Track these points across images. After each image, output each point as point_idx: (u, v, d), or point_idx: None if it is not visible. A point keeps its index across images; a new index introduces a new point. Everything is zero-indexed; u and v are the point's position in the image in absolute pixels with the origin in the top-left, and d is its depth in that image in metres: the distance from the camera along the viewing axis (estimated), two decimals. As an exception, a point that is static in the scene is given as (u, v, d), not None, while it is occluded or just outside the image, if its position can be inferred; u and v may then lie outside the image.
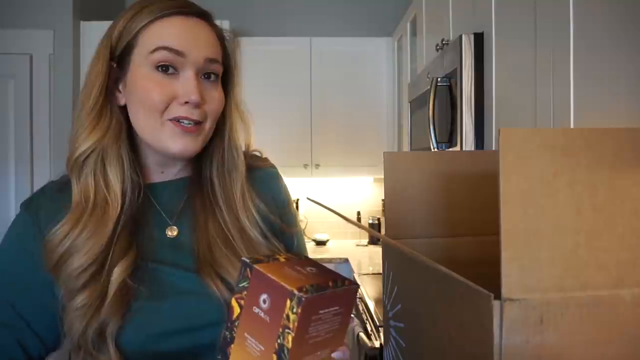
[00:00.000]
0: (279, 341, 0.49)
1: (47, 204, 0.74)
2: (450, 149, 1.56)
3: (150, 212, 0.77)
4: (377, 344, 1.53)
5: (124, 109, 0.75)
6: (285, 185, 0.89)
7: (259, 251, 0.76)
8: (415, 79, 2.09)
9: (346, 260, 2.70)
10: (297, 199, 3.18)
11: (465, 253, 0.60)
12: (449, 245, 0.60)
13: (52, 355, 0.75)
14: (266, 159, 0.89)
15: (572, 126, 0.94)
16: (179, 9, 0.72)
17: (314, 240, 3.18)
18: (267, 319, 0.50)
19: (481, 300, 0.33)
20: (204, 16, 0.76)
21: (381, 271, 0.59)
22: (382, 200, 0.98)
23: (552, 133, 0.33)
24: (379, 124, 3.09)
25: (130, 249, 0.71)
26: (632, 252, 0.34)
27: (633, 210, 0.34)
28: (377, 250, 2.97)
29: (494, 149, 1.34)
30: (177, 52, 0.70)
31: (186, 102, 0.71)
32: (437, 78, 1.60)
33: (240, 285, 0.53)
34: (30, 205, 0.75)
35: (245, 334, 0.52)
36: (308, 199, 0.70)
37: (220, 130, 0.79)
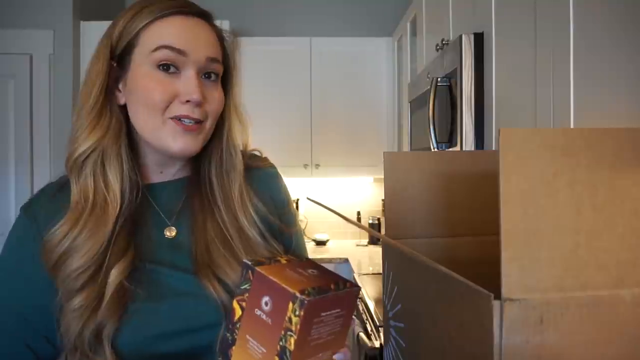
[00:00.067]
0: (281, 343, 0.49)
1: (46, 204, 0.74)
2: (450, 149, 1.56)
3: (149, 212, 0.77)
4: (377, 344, 1.53)
5: (123, 108, 0.75)
6: (284, 185, 0.89)
7: (257, 251, 0.76)
8: (415, 79, 2.09)
9: (346, 260, 2.70)
10: (297, 199, 3.18)
11: (465, 253, 0.60)
12: (449, 245, 0.60)
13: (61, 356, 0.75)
14: (265, 159, 0.89)
15: (572, 126, 0.94)
16: (179, 8, 0.72)
17: (314, 240, 3.18)
18: (269, 321, 0.50)
19: (481, 300, 0.33)
20: (204, 16, 0.76)
21: (381, 271, 0.59)
22: (382, 200, 0.98)
23: (552, 133, 0.33)
24: (379, 124, 3.09)
25: (128, 250, 0.71)
26: (632, 252, 0.34)
27: (633, 210, 0.34)
28: (377, 250, 2.97)
29: (494, 149, 1.34)
30: (179, 51, 0.70)
31: (188, 101, 0.71)
32: (437, 78, 1.60)
33: (242, 287, 0.53)
34: (29, 208, 0.75)
35: (247, 336, 0.52)
36: (308, 199, 0.70)
37: (218, 131, 0.79)
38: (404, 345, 0.51)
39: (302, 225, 3.24)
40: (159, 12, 0.71)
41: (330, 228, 3.30)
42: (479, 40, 1.44)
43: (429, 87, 1.66)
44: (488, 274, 0.39)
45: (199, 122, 0.72)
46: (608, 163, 0.34)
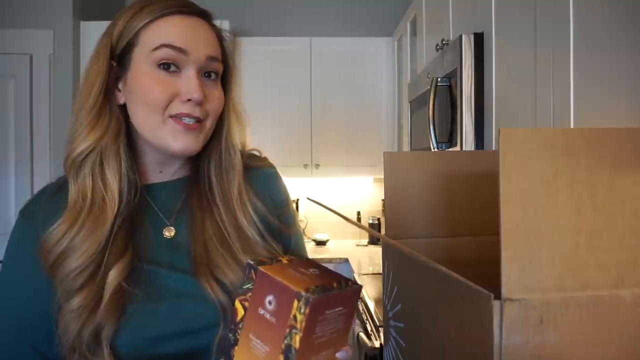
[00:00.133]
0: (285, 342, 0.49)
1: (44, 205, 0.74)
2: (450, 149, 1.56)
3: (148, 212, 0.77)
4: (377, 344, 1.53)
5: (122, 108, 0.75)
6: (284, 185, 0.88)
7: (255, 251, 0.75)
8: (415, 79, 2.09)
9: (346, 260, 2.70)
10: (297, 199, 3.18)
11: (465, 253, 0.60)
12: (449, 245, 0.60)
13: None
14: (265, 159, 0.89)
15: (572, 126, 0.94)
16: (179, 8, 0.72)
17: (314, 240, 3.18)
18: (273, 320, 0.50)
19: (481, 300, 0.33)
20: (204, 16, 0.76)
21: (381, 271, 0.59)
22: (382, 200, 0.98)
23: (552, 133, 0.33)
24: (379, 124, 3.09)
25: (127, 250, 0.71)
26: (632, 252, 0.34)
27: (633, 210, 0.34)
28: (377, 250, 2.96)
29: (494, 149, 1.34)
30: (180, 50, 0.70)
31: (188, 100, 0.71)
32: (437, 78, 1.60)
33: (244, 287, 0.53)
34: (27, 210, 0.75)
35: (250, 336, 0.52)
36: (308, 199, 0.70)
37: (218, 130, 0.79)
38: (404, 345, 0.51)
39: (302, 225, 3.25)
40: (159, 11, 0.71)
41: (330, 228, 3.30)
42: (479, 40, 1.44)
43: (429, 87, 1.66)
44: (488, 274, 0.39)
45: (199, 120, 0.72)
46: (608, 163, 0.34)
